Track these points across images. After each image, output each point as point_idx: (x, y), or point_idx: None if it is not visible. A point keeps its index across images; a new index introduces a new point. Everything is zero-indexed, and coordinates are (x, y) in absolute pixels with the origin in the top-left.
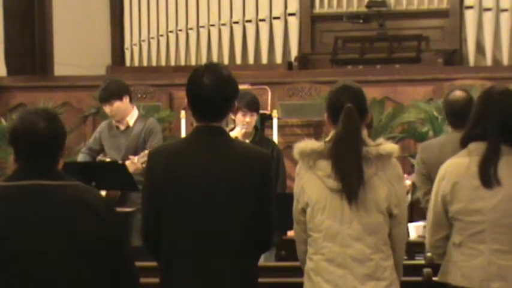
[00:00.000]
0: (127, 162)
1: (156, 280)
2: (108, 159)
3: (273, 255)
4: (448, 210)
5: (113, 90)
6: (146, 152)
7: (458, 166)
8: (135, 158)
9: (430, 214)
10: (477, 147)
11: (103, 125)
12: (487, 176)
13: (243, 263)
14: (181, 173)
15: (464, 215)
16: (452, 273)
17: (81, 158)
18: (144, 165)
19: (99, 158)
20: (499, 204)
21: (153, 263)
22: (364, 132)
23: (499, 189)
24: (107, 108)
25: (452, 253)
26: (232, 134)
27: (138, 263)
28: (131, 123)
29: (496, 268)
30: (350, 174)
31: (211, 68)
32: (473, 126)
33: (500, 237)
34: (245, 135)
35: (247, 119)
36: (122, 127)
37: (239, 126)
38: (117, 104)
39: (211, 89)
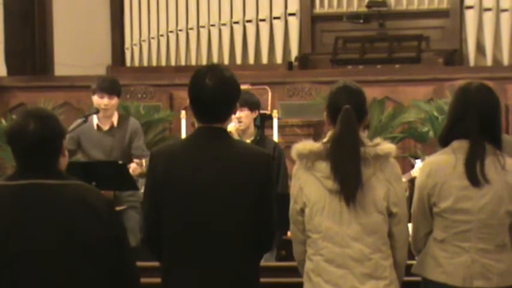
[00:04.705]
0: (133, 165)
1: (156, 280)
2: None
3: (274, 255)
4: (433, 207)
5: (117, 86)
6: None
7: (445, 165)
8: (143, 161)
9: (415, 209)
10: (461, 146)
11: (78, 126)
12: (474, 175)
13: (244, 264)
14: (182, 174)
15: (450, 214)
16: (430, 268)
17: None
18: None
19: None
20: (487, 204)
21: (153, 263)
22: (362, 133)
23: (488, 188)
24: (105, 100)
25: (433, 248)
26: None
27: (138, 263)
28: (115, 124)
29: (479, 266)
30: (348, 175)
31: (214, 69)
32: (453, 125)
33: (485, 236)
34: (245, 133)
35: (237, 114)
36: (105, 127)
37: (233, 122)
38: (115, 100)
39: (213, 91)
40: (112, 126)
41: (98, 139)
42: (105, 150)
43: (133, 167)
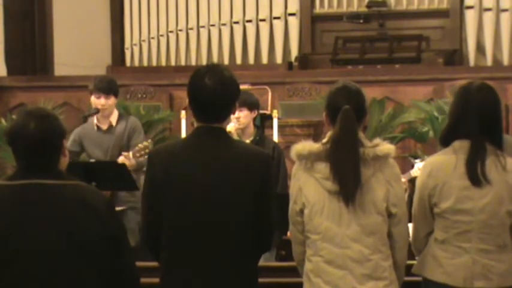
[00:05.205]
0: (120, 159)
1: (155, 280)
2: (92, 160)
3: (273, 255)
4: (434, 208)
5: (114, 86)
6: (141, 146)
7: (446, 165)
8: (130, 154)
9: (416, 210)
10: (462, 146)
11: (80, 128)
12: (475, 175)
13: (243, 264)
14: (182, 174)
15: (451, 214)
16: (431, 268)
17: None
18: (139, 159)
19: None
20: (488, 205)
21: (153, 263)
22: (361, 133)
23: (489, 189)
24: (102, 100)
25: (433, 248)
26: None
27: (138, 263)
28: (114, 123)
29: (480, 267)
30: (347, 176)
31: (213, 69)
32: (454, 125)
33: (486, 236)
34: (245, 133)
35: (236, 114)
36: (104, 127)
37: (232, 122)
38: (112, 99)
39: (213, 91)
40: (111, 126)
41: (97, 139)
42: (104, 149)
43: (121, 160)
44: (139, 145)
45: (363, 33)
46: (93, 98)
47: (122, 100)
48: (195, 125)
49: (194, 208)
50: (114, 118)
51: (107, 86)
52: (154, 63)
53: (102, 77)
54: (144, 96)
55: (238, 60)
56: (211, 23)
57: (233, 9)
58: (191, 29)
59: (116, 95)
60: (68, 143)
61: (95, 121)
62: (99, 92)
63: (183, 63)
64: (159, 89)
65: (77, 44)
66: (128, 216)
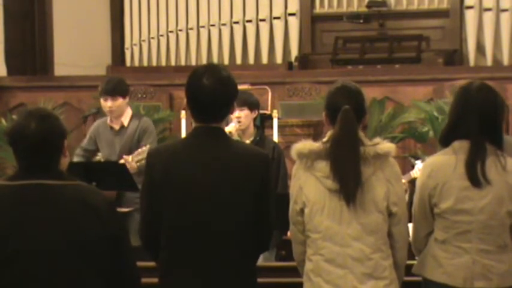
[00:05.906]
0: (121, 161)
1: (156, 280)
2: (101, 159)
3: (273, 255)
4: (434, 208)
5: (120, 86)
6: (140, 150)
7: (446, 165)
8: (130, 157)
9: (416, 210)
10: (462, 146)
11: (96, 125)
12: (475, 175)
13: (243, 264)
14: (181, 174)
15: (451, 214)
16: (431, 268)
17: (76, 160)
18: (139, 164)
19: (98, 158)
20: (488, 205)
21: (153, 263)
22: (361, 133)
23: (489, 189)
24: (109, 102)
25: (433, 248)
26: (227, 129)
27: (138, 263)
28: (126, 123)
29: (480, 267)
30: (347, 175)
31: (211, 69)
32: (454, 125)
33: (486, 237)
34: (245, 134)
35: (236, 113)
36: (117, 127)
37: (233, 122)
38: (120, 100)
39: (211, 91)
40: (122, 126)
41: (109, 139)
42: (114, 149)
43: (122, 162)
44: (139, 150)
45: (363, 33)
46: (101, 101)
47: None
48: (193, 125)
49: (194, 208)
50: (126, 118)
51: (111, 88)
52: (154, 63)
53: (109, 78)
54: (144, 96)
55: (238, 60)
56: (211, 23)
57: (233, 9)
58: (191, 29)
59: (123, 95)
60: (84, 142)
61: (108, 121)
62: (105, 94)
63: (183, 63)
64: (159, 89)
65: (77, 44)
66: (133, 217)
